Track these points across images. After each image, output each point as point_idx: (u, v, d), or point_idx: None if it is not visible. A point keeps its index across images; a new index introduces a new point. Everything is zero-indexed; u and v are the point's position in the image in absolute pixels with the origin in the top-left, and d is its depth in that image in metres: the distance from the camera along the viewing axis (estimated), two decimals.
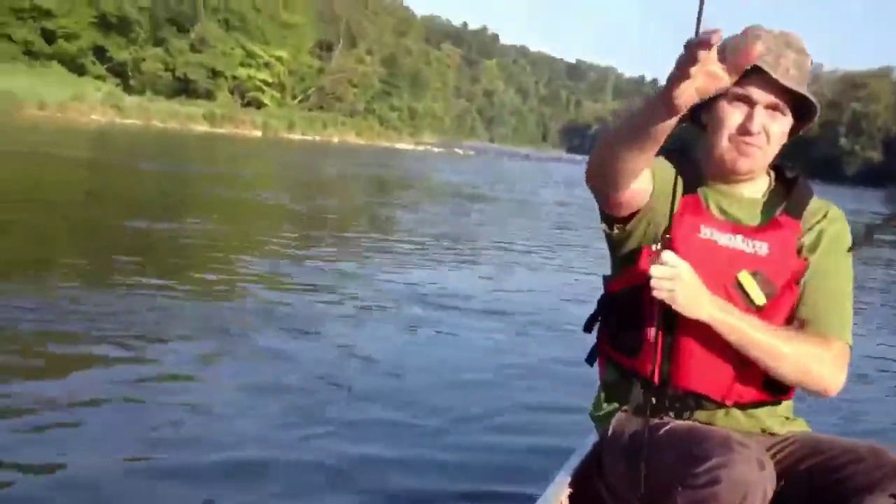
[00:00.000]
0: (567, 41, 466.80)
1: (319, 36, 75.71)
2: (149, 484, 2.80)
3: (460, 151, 71.84)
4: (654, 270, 1.65)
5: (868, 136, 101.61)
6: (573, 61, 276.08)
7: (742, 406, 1.81)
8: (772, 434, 1.83)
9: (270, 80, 65.44)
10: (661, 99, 1.40)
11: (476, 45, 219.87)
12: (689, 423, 1.76)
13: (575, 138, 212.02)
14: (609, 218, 1.83)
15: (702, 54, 1.29)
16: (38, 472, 2.83)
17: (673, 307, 1.65)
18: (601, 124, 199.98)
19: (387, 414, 3.77)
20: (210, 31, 59.17)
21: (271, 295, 6.02)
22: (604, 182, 1.70)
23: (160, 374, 3.97)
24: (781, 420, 1.86)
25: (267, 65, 64.74)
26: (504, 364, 4.83)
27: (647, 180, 1.72)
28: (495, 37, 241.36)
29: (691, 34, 1.31)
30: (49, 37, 49.12)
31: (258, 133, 52.26)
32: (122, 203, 11.13)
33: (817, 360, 1.73)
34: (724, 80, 1.36)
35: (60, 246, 7.54)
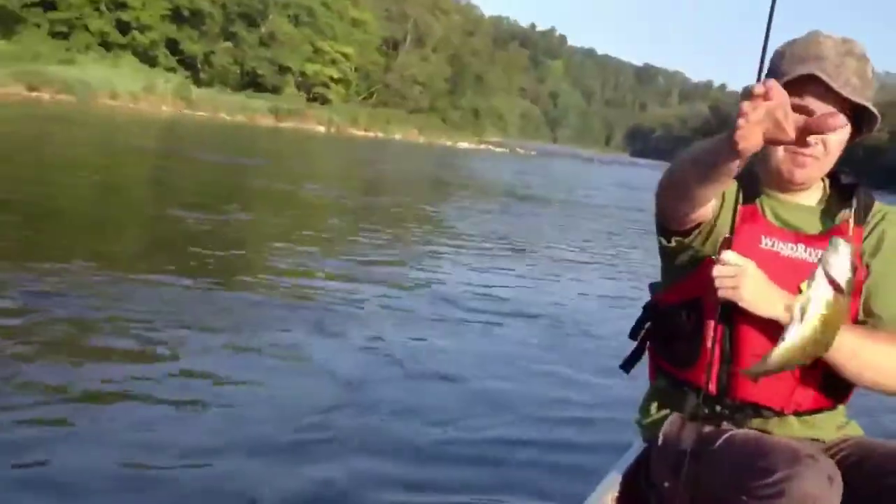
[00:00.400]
0: (636, 44, 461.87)
1: (387, 33, 76.28)
2: (139, 489, 2.77)
3: (522, 151, 71.63)
4: (718, 270, 1.63)
5: None
6: (641, 65, 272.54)
7: (800, 413, 1.78)
8: (823, 441, 1.80)
9: (336, 77, 66.15)
10: (727, 143, 1.39)
11: (543, 46, 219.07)
12: (750, 431, 1.73)
13: (639, 142, 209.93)
14: (667, 231, 1.80)
15: (763, 104, 1.31)
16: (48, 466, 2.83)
17: (741, 304, 1.64)
18: (664, 130, 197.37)
19: (418, 415, 3.77)
20: (279, 27, 60.06)
21: (305, 290, 6.01)
22: (673, 208, 1.70)
23: (163, 370, 3.93)
24: (836, 425, 1.83)
25: (334, 61, 65.46)
26: (542, 367, 4.82)
27: (714, 201, 1.71)
28: (563, 38, 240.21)
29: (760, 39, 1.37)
30: (124, 28, 50.36)
31: (322, 128, 52.84)
32: (179, 193, 11.38)
33: (877, 362, 1.69)
34: (788, 134, 1.35)
35: (107, 233, 7.76)
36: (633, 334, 1.96)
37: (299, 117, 52.02)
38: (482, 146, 68.40)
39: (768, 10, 1.48)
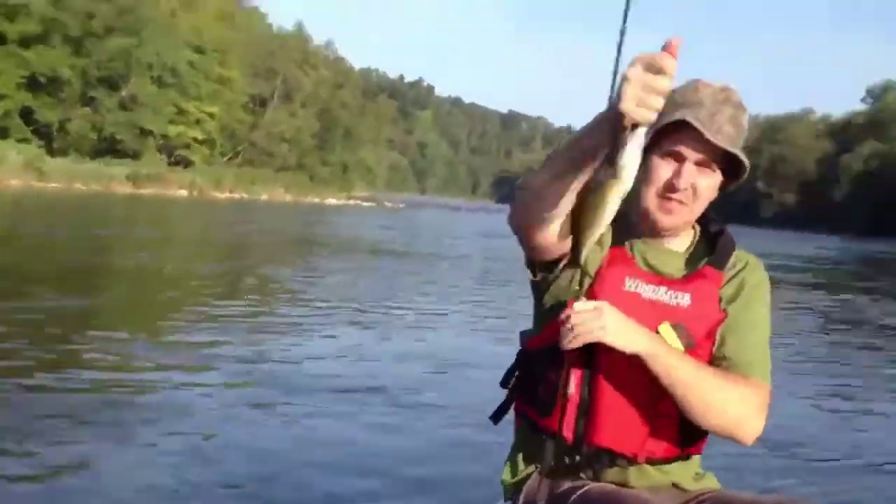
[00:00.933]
0: (501, 92, 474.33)
1: (255, 90, 75.00)
2: None
3: (390, 205, 72.04)
4: (577, 306, 1.62)
5: (784, 179, 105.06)
6: (505, 112, 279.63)
7: (654, 462, 1.80)
8: (683, 490, 1.83)
9: (201, 137, 64.53)
10: (608, 114, 1.36)
11: (412, 97, 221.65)
12: (606, 486, 1.74)
13: (505, 188, 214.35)
14: (533, 263, 1.81)
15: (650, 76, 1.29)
16: None
17: (606, 340, 1.62)
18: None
19: None
20: (142, 88, 58.02)
21: (118, 386, 5.52)
22: (530, 216, 1.66)
23: None
24: (693, 475, 1.86)
25: (198, 121, 63.75)
26: (397, 441, 4.72)
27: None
28: (431, 88, 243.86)
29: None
30: None
31: (184, 192, 51.55)
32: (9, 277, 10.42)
33: (742, 402, 1.70)
34: (649, 116, 1.31)
35: None
36: (503, 383, 1.94)
37: (160, 182, 50.48)
38: (351, 201, 68.37)
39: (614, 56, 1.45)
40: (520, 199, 1.67)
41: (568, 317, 1.63)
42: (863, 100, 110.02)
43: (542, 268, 1.80)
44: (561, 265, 1.77)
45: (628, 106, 1.28)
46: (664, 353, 1.66)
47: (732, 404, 1.68)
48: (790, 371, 7.51)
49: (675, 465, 1.82)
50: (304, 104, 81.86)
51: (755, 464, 4.45)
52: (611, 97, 1.38)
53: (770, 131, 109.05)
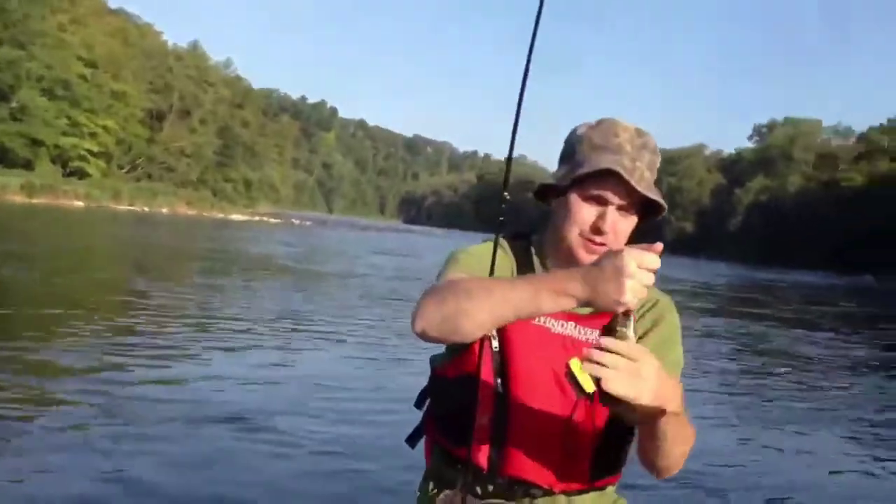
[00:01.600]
0: (404, 115, 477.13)
1: (151, 105, 73.93)
2: None
3: (297, 222, 71.51)
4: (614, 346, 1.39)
5: (682, 208, 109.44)
6: (410, 135, 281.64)
7: (570, 493, 1.80)
8: None
9: (96, 150, 63.12)
10: (608, 295, 1.38)
11: (315, 118, 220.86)
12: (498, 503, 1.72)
13: (412, 209, 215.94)
14: None
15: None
16: None
17: (643, 400, 1.39)
18: (435, 197, 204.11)
19: None
20: (31, 100, 56.58)
21: None
22: (449, 338, 1.57)
23: None
24: (607, 503, 1.87)
25: (93, 134, 62.49)
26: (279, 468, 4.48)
27: None
28: (334, 110, 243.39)
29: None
30: None
31: (81, 203, 49.99)
32: None
33: (688, 446, 1.69)
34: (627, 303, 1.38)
35: None
36: (417, 404, 1.95)
37: (55, 193, 48.89)
38: (256, 218, 67.56)
39: (520, 83, 1.50)
40: (437, 326, 1.53)
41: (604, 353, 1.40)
42: (749, 137, 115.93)
43: None
44: None
45: (630, 299, 1.37)
46: (680, 412, 1.55)
47: (685, 451, 1.68)
48: (696, 400, 7.44)
49: (589, 496, 1.82)
50: (203, 121, 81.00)
51: (666, 491, 4.44)
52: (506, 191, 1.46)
53: (666, 163, 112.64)
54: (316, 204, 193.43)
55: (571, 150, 1.78)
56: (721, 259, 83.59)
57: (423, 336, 1.55)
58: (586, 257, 1.74)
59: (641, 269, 1.37)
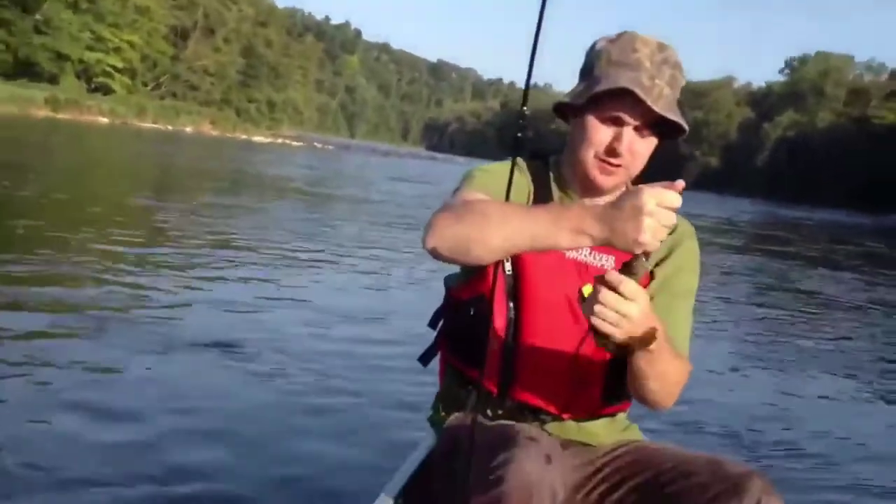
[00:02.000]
0: (430, 40, 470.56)
1: (175, 22, 73.25)
2: None
3: (319, 146, 71.27)
4: (611, 291, 1.39)
5: (708, 143, 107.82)
6: (435, 61, 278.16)
7: (579, 420, 1.80)
8: (603, 444, 1.81)
9: (120, 66, 62.89)
10: (623, 233, 1.35)
11: (339, 40, 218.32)
12: (506, 423, 1.71)
13: (435, 136, 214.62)
14: None
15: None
16: None
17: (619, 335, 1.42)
18: (459, 124, 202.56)
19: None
20: (56, 13, 56.12)
21: None
22: (461, 259, 1.55)
23: None
24: (616, 430, 1.85)
25: (117, 49, 62.17)
26: (317, 389, 4.38)
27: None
28: (358, 32, 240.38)
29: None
30: None
31: (105, 120, 49.97)
32: None
33: (681, 380, 1.68)
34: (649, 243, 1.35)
35: None
36: (432, 323, 1.95)
37: (79, 109, 48.84)
38: (279, 140, 67.36)
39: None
40: (449, 245, 1.51)
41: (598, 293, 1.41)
42: (781, 71, 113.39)
43: None
44: None
45: (649, 239, 1.33)
46: (665, 348, 1.58)
47: (676, 385, 1.67)
48: (716, 339, 7.30)
49: (600, 421, 1.82)
50: (227, 39, 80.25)
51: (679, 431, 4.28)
52: (526, 95, 1.40)
53: (692, 96, 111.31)
54: (339, 128, 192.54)
55: (590, 66, 1.72)
56: (747, 195, 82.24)
57: (434, 253, 1.53)
58: (602, 179, 1.72)
59: (661, 207, 1.33)
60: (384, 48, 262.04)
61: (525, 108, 1.62)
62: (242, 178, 22.04)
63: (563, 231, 1.39)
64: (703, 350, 6.36)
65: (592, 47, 1.74)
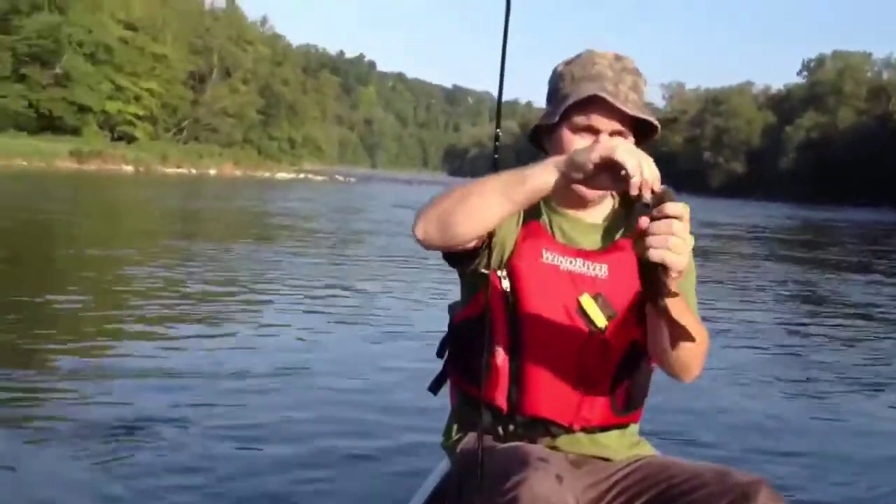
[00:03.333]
0: (443, 67, 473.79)
1: (192, 67, 74.36)
2: None
3: (341, 178, 71.74)
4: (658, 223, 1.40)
5: (731, 149, 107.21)
6: (450, 86, 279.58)
7: (590, 430, 1.80)
8: (617, 459, 1.81)
9: (141, 114, 63.93)
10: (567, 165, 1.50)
11: (354, 73, 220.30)
12: (518, 444, 1.73)
13: (455, 161, 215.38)
14: (449, 256, 1.76)
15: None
16: None
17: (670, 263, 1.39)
18: (479, 148, 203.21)
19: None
20: (75, 65, 57.24)
21: None
22: (450, 239, 1.63)
23: None
24: (628, 444, 1.86)
25: (137, 98, 63.27)
26: (334, 414, 4.43)
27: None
28: (372, 64, 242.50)
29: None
30: None
31: (130, 168, 50.68)
32: None
33: (706, 340, 1.68)
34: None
35: None
36: (439, 352, 1.97)
37: (103, 158, 49.59)
38: (301, 175, 67.93)
39: (503, 24, 1.59)
40: (436, 225, 1.62)
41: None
42: (798, 73, 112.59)
43: (458, 261, 1.77)
44: (480, 251, 1.73)
45: (602, 154, 1.46)
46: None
47: (702, 346, 1.64)
48: (741, 345, 7.26)
49: (610, 434, 1.83)
50: (245, 80, 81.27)
51: (704, 449, 4.20)
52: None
53: (712, 103, 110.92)
54: (360, 159, 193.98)
55: (556, 88, 1.80)
56: (773, 199, 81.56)
57: (424, 239, 1.63)
58: (586, 190, 1.73)
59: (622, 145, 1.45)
60: (399, 77, 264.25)
61: (499, 129, 1.85)
62: (258, 219, 22.05)
63: (529, 171, 1.55)
64: (728, 360, 6.33)
65: (554, 72, 1.82)
